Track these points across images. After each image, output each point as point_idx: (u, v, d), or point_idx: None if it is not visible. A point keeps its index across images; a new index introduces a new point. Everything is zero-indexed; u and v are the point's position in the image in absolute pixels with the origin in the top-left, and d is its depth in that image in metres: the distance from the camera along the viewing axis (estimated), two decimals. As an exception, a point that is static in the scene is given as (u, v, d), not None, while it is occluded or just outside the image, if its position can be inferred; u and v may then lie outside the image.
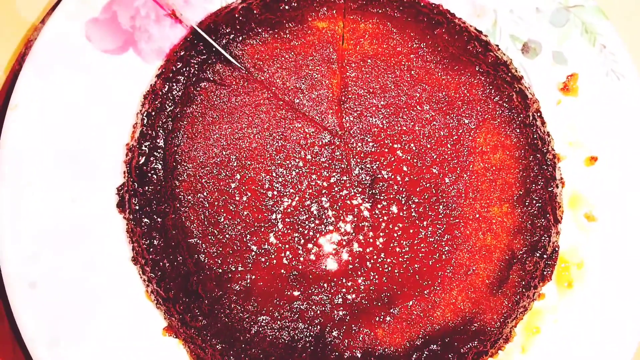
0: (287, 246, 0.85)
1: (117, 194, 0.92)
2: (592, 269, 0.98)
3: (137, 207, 0.88)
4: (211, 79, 0.88)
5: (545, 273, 0.93)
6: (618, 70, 0.99)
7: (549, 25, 1.01)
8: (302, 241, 0.86)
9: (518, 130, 0.90)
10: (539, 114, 0.95)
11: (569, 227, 0.99)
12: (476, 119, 0.89)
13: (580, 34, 1.00)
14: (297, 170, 0.87)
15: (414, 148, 0.88)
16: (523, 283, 0.90)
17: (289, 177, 0.87)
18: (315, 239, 0.86)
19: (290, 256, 0.85)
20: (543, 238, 0.90)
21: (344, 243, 0.86)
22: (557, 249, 0.95)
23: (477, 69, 0.90)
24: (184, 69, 0.89)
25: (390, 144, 0.88)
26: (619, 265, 0.97)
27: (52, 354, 0.87)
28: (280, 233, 0.85)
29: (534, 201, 0.90)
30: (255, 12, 0.89)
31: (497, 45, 0.98)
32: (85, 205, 0.92)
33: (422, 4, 0.94)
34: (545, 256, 0.91)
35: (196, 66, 0.88)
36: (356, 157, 0.88)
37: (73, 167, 0.92)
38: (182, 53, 0.90)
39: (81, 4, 0.94)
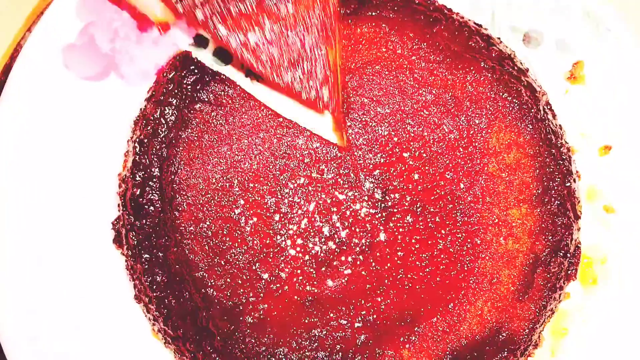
0: (299, 271, 0.80)
1: (112, 229, 0.87)
2: (616, 263, 0.94)
3: (135, 242, 0.82)
4: (206, 99, 0.82)
5: (569, 272, 0.89)
6: (624, 54, 0.95)
7: (549, 12, 0.96)
8: (315, 264, 0.81)
9: (530, 127, 0.85)
10: (549, 107, 0.91)
11: (588, 221, 0.94)
12: (486, 118, 0.84)
13: (582, 19, 0.96)
14: (303, 190, 0.82)
15: (424, 155, 0.83)
16: (549, 285, 0.85)
17: (296, 197, 0.81)
18: (328, 261, 0.81)
19: (304, 281, 0.80)
20: (565, 236, 0.86)
21: (360, 262, 0.81)
22: (579, 246, 0.90)
23: (482, 65, 0.85)
24: (176, 91, 0.83)
25: (400, 153, 0.83)
26: (644, 257, 0.93)
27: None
28: (290, 258, 0.80)
29: (553, 199, 0.85)
30: None
31: (499, 38, 0.93)
32: (80, 243, 0.86)
33: (417, 1, 0.89)
34: (568, 255, 0.87)
35: (189, 87, 0.83)
36: (364, 169, 0.83)
37: (64, 204, 0.86)
38: (172, 74, 0.84)
39: (56, 30, 0.88)
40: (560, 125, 0.91)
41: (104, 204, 0.88)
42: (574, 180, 0.89)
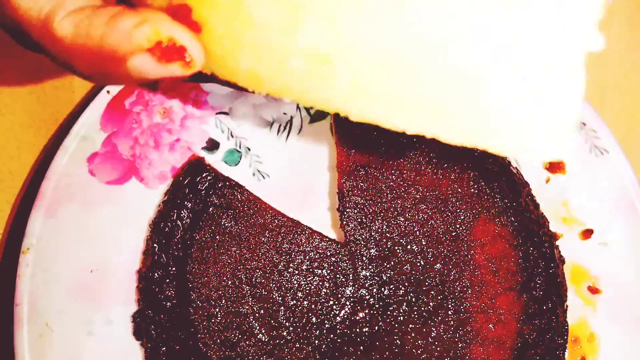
0: (304, 360, 0.87)
1: (132, 322, 0.94)
2: (604, 341, 1.00)
3: (154, 335, 0.90)
4: (217, 203, 0.91)
5: (558, 352, 0.95)
6: (600, 145, 1.03)
7: (528, 108, 1.05)
8: (319, 355, 0.87)
9: (513, 219, 0.93)
10: (530, 198, 0.99)
11: (574, 302, 1.01)
12: (471, 213, 0.92)
13: (559, 114, 1.05)
14: (306, 284, 0.90)
15: (415, 248, 0.91)
16: (539, 367, 0.92)
17: (299, 292, 0.89)
18: (331, 352, 0.88)
19: (309, 370, 0.87)
20: (551, 320, 0.92)
21: (361, 352, 0.88)
22: (566, 326, 0.97)
23: (465, 165, 0.94)
24: (190, 195, 0.92)
25: (392, 247, 0.91)
26: (630, 336, 0.98)
27: None
28: (295, 350, 0.87)
29: (538, 285, 0.92)
30: None
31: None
32: (102, 337, 0.94)
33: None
34: (556, 337, 0.93)
35: (202, 192, 0.92)
36: (361, 263, 0.90)
37: (87, 301, 0.94)
38: (188, 179, 0.93)
39: (82, 142, 0.98)
40: (542, 214, 0.99)
41: (124, 300, 0.96)
42: (558, 266, 0.96)
